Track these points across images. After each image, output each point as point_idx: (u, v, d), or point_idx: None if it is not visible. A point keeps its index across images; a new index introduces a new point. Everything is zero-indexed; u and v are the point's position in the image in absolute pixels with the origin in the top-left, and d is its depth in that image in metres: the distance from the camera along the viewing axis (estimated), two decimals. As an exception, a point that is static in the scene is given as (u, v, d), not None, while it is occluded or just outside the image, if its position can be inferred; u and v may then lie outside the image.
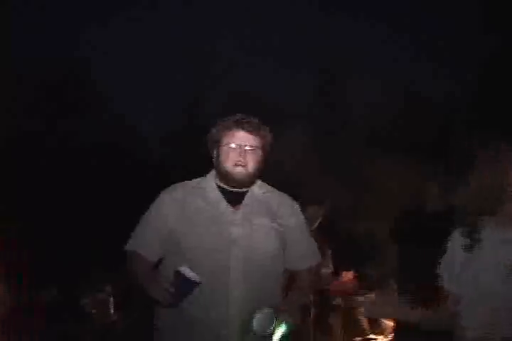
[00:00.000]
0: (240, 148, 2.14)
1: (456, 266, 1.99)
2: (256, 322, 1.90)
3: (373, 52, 8.85)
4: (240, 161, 2.13)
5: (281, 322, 1.91)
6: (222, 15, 8.85)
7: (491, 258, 1.89)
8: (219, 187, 2.20)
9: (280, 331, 1.90)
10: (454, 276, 1.98)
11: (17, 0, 8.56)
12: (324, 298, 5.28)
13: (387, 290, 5.62)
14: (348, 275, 6.37)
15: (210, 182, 2.22)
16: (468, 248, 1.94)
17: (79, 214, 7.09)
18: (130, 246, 2.25)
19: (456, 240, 2.01)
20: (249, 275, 2.06)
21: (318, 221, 4.10)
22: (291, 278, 2.27)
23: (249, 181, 2.19)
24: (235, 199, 2.18)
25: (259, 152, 2.19)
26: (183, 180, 2.35)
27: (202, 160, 2.34)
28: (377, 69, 8.66)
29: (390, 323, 5.47)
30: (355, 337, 5.71)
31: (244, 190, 2.20)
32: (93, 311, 5.33)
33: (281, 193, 2.34)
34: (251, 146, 2.15)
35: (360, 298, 6.15)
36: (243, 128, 2.16)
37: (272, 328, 1.89)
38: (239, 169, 2.13)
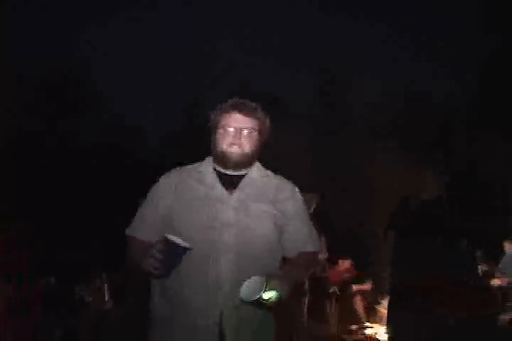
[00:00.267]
0: (236, 130, 2.14)
1: None
2: (244, 288, 1.88)
3: (373, 52, 8.86)
4: (235, 142, 2.13)
5: (269, 290, 1.88)
6: (222, 15, 8.86)
7: None
8: (216, 170, 2.19)
9: (267, 296, 1.88)
10: None
11: (17, 0, 8.57)
12: (320, 286, 5.29)
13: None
14: (345, 264, 6.39)
15: (207, 166, 2.22)
16: None
17: (79, 214, 7.10)
18: (129, 230, 2.27)
19: None
20: (242, 258, 2.05)
21: (312, 208, 4.12)
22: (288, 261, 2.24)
23: (245, 162, 2.17)
24: (231, 182, 2.17)
25: (256, 134, 2.17)
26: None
27: (202, 160, 2.33)
28: (377, 69, 8.67)
29: (385, 311, 5.49)
30: (351, 325, 5.74)
31: (242, 173, 2.19)
32: (88, 298, 5.33)
33: (281, 177, 2.32)
34: (247, 128, 2.15)
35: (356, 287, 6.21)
36: (239, 111, 2.16)
37: (259, 295, 1.87)
38: (234, 149, 2.13)
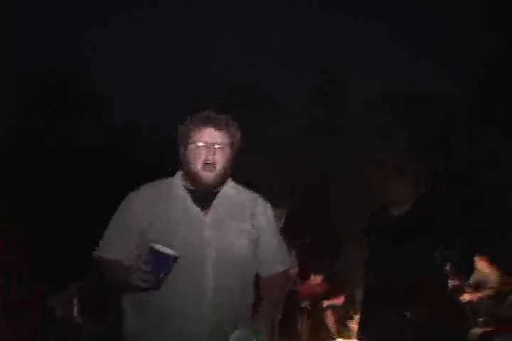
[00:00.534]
0: (209, 146, 2.04)
1: None
2: None
3: (373, 52, 8.85)
4: (208, 160, 2.04)
5: None
6: (222, 15, 8.85)
7: None
8: (186, 188, 2.11)
9: None
10: None
11: (17, 0, 8.56)
12: (291, 301, 5.15)
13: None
14: (316, 279, 6.32)
15: (178, 184, 2.13)
16: None
17: (78, 214, 7.09)
18: (100, 251, 2.14)
19: None
20: (222, 278, 2.01)
21: (282, 223, 4.08)
22: (261, 284, 2.22)
23: (217, 182, 2.10)
24: (205, 200, 2.10)
25: (228, 150, 2.08)
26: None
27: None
28: (377, 69, 8.67)
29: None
30: None
31: (215, 190, 2.12)
32: (58, 312, 5.05)
33: (254, 193, 2.25)
34: (220, 144, 2.06)
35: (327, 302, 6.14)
36: (212, 125, 2.06)
37: None
38: (207, 173, 2.04)
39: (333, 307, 6.14)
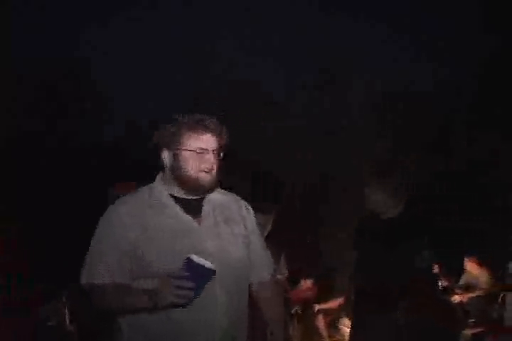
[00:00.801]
0: (206, 152, 1.96)
1: None
2: None
3: (373, 52, 8.85)
4: (207, 168, 1.95)
5: None
6: (222, 15, 8.85)
7: None
8: (172, 196, 2.00)
9: None
10: None
11: (17, 0, 8.56)
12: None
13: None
14: (306, 284, 6.26)
15: (161, 192, 2.01)
16: None
17: (78, 214, 7.09)
18: (88, 277, 1.96)
19: None
20: (226, 283, 1.94)
21: (269, 228, 4.06)
22: (255, 293, 2.14)
23: (214, 187, 2.02)
24: (194, 208, 2.00)
25: (221, 154, 2.01)
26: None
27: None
28: (377, 69, 8.67)
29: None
30: None
31: (201, 196, 2.03)
32: (51, 321, 4.80)
33: (235, 195, 2.17)
34: (216, 150, 1.98)
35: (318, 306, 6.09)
36: (209, 131, 1.97)
37: None
38: (205, 175, 1.96)
39: (324, 311, 6.09)
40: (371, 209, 3.46)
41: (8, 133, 7.90)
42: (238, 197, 2.17)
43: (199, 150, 1.96)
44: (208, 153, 1.96)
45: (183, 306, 1.80)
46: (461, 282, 6.32)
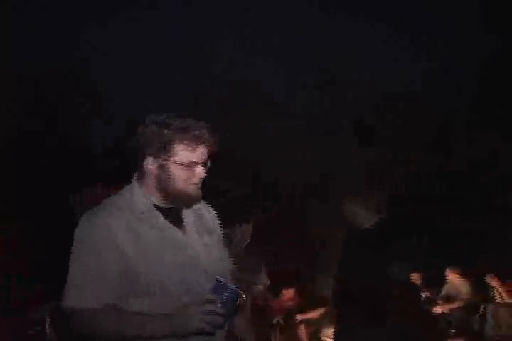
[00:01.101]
0: (198, 166, 1.83)
1: None
2: None
3: (373, 52, 8.85)
4: (196, 182, 1.84)
5: None
6: (222, 15, 8.85)
7: None
8: (155, 206, 1.86)
9: None
10: None
11: (17, 0, 8.56)
12: (263, 317, 4.99)
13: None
14: (288, 294, 6.17)
15: (142, 202, 1.85)
16: None
17: (78, 213, 7.09)
18: (77, 300, 1.74)
19: None
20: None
21: (249, 237, 4.07)
22: None
23: (200, 199, 1.92)
24: (175, 217, 1.88)
25: (208, 163, 1.88)
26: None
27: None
28: (377, 69, 8.67)
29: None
30: None
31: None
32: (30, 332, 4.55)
33: (206, 204, 2.05)
34: (206, 162, 1.86)
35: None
36: (202, 143, 1.82)
37: None
38: (194, 189, 1.84)
39: (306, 322, 6.02)
40: (348, 221, 3.56)
41: (8, 133, 7.90)
42: (209, 206, 2.05)
43: (192, 165, 1.82)
44: (198, 166, 1.83)
45: (212, 334, 1.67)
46: (443, 292, 6.35)
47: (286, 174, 8.56)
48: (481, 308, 6.06)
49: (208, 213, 2.02)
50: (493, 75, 8.43)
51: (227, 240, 2.17)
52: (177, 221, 1.89)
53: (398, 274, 3.36)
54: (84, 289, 1.74)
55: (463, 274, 6.25)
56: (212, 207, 2.10)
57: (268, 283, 4.43)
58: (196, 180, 1.83)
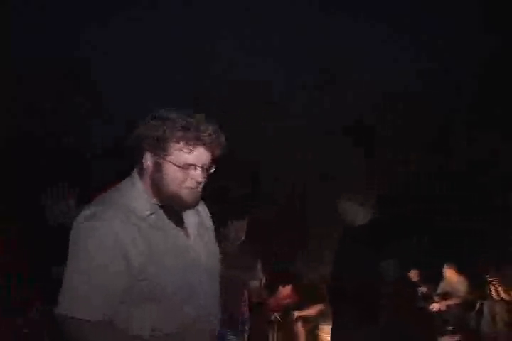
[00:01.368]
0: (197, 169, 1.68)
1: None
2: None
3: (373, 52, 8.85)
4: (193, 187, 1.70)
5: None
6: (222, 15, 8.85)
7: None
8: (156, 205, 1.75)
9: None
10: None
11: (17, 0, 8.56)
12: (260, 314, 5.04)
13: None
14: (285, 291, 6.14)
15: (148, 201, 1.73)
16: None
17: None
18: (75, 310, 1.61)
19: None
20: (216, 291, 1.87)
21: (243, 235, 4.10)
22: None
23: (197, 204, 1.81)
24: (178, 218, 1.79)
25: (212, 168, 1.74)
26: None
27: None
28: (377, 69, 8.67)
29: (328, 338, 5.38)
30: None
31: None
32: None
33: (202, 201, 1.95)
34: (208, 164, 1.71)
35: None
36: (202, 144, 1.67)
37: None
38: (188, 193, 1.70)
39: (303, 319, 6.01)
40: (342, 218, 3.60)
41: (8, 133, 7.90)
42: (204, 204, 1.95)
43: (190, 167, 1.68)
44: (195, 168, 1.69)
45: None
46: (440, 289, 6.35)
47: (286, 174, 8.56)
48: (478, 305, 6.07)
49: (202, 209, 1.93)
50: (493, 75, 8.43)
51: (223, 237, 2.17)
52: (179, 221, 1.79)
53: (393, 272, 3.37)
54: (82, 300, 1.61)
55: (460, 271, 6.26)
56: (212, 206, 2.06)
57: (264, 280, 4.44)
58: (191, 183, 1.69)
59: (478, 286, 6.23)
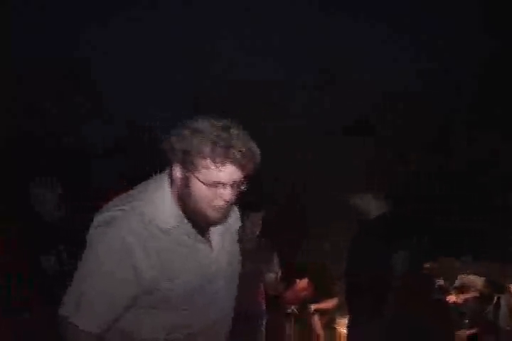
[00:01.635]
0: (226, 187, 1.58)
1: None
2: None
3: (373, 52, 8.85)
4: (220, 205, 1.61)
5: None
6: (222, 15, 8.85)
7: None
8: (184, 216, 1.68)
9: None
10: None
11: (17, 0, 8.56)
12: (277, 307, 5.04)
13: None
14: (301, 284, 6.17)
15: (175, 213, 1.64)
16: None
17: (78, 213, 7.08)
18: (79, 319, 1.59)
19: None
20: (234, 293, 1.87)
21: (259, 228, 4.13)
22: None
23: (223, 221, 1.72)
24: (203, 230, 1.73)
25: (243, 186, 1.64)
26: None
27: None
28: (377, 69, 8.67)
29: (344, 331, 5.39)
30: None
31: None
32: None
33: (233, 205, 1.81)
34: (238, 182, 1.61)
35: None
36: (234, 162, 1.55)
37: None
38: (215, 213, 1.62)
39: (320, 311, 6.05)
40: (356, 210, 3.62)
41: (8, 133, 7.90)
42: (235, 207, 1.87)
43: (214, 184, 1.57)
44: (224, 187, 1.58)
45: None
46: (457, 283, 6.34)
47: (286, 174, 8.56)
48: (495, 298, 6.06)
49: (233, 216, 1.85)
50: (493, 75, 8.43)
51: (240, 230, 2.14)
52: (204, 234, 1.71)
53: (408, 264, 3.39)
54: (85, 305, 1.59)
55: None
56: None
57: (280, 273, 4.47)
58: (220, 202, 1.60)
59: (495, 280, 6.22)
